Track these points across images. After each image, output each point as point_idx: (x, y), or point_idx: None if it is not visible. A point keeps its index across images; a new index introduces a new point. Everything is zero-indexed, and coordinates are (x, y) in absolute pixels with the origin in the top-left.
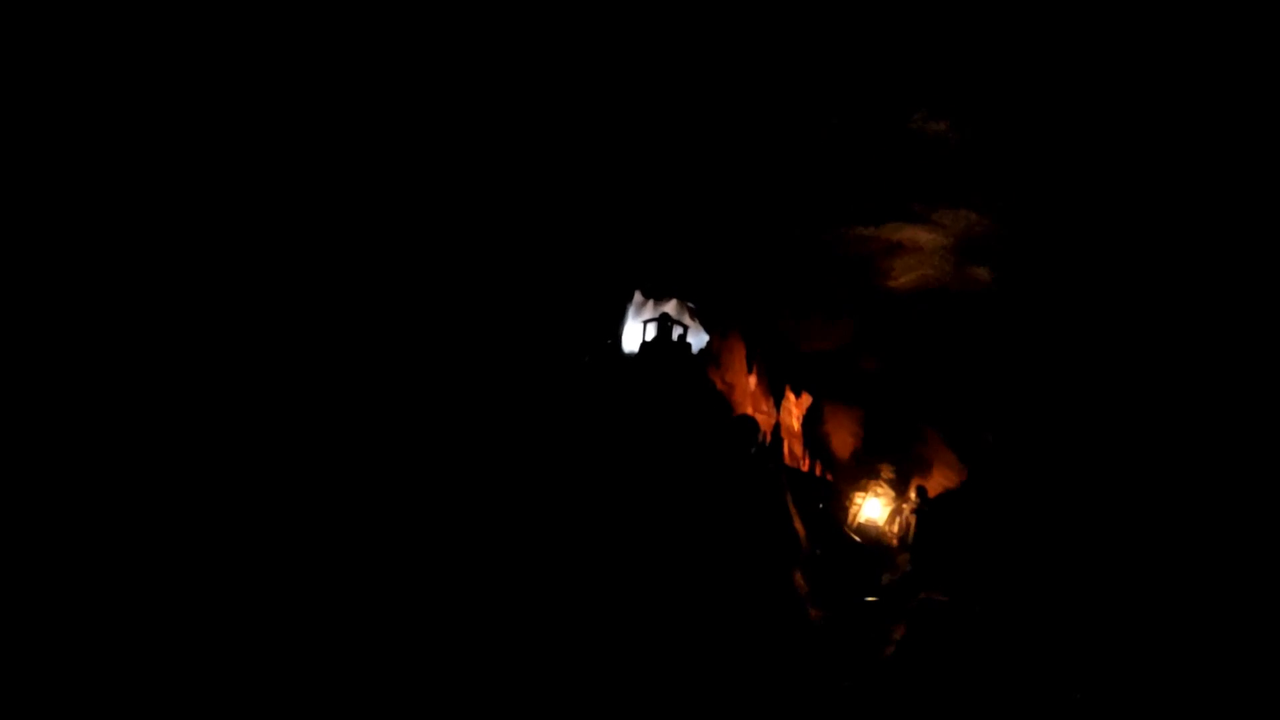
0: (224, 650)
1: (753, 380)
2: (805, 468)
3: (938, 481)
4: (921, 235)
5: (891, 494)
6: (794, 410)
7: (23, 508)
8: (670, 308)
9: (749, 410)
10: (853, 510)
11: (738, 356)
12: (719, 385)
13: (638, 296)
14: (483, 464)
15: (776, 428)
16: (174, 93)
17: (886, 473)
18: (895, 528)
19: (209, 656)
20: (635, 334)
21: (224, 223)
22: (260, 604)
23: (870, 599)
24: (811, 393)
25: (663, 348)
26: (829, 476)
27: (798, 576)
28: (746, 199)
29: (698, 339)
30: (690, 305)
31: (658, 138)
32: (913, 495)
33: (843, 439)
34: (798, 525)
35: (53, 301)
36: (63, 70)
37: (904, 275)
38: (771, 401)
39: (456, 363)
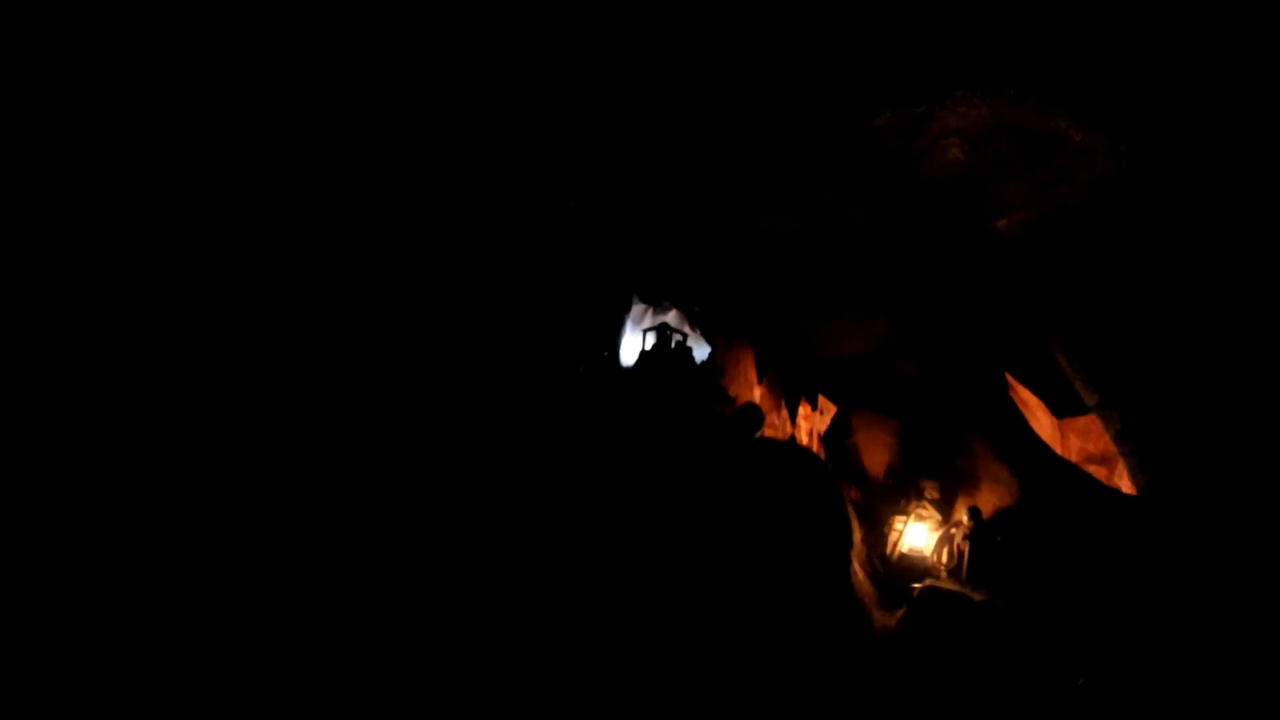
0: (224, 650)
1: (759, 391)
2: None
3: (987, 500)
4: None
5: (938, 517)
6: (804, 425)
7: (23, 508)
8: (671, 318)
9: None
10: (892, 537)
11: (743, 366)
12: (725, 402)
13: (636, 307)
14: (473, 476)
15: (791, 442)
16: (174, 93)
17: (930, 491)
18: (944, 558)
19: (209, 656)
20: (634, 344)
21: (217, 227)
22: (260, 606)
23: (916, 585)
24: (838, 402)
25: (662, 357)
26: (855, 494)
27: (858, 575)
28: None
29: (700, 349)
30: (695, 310)
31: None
32: (964, 519)
33: (876, 454)
34: (852, 517)
35: (53, 302)
36: (63, 70)
37: (1027, 208)
38: (785, 414)
39: (446, 372)
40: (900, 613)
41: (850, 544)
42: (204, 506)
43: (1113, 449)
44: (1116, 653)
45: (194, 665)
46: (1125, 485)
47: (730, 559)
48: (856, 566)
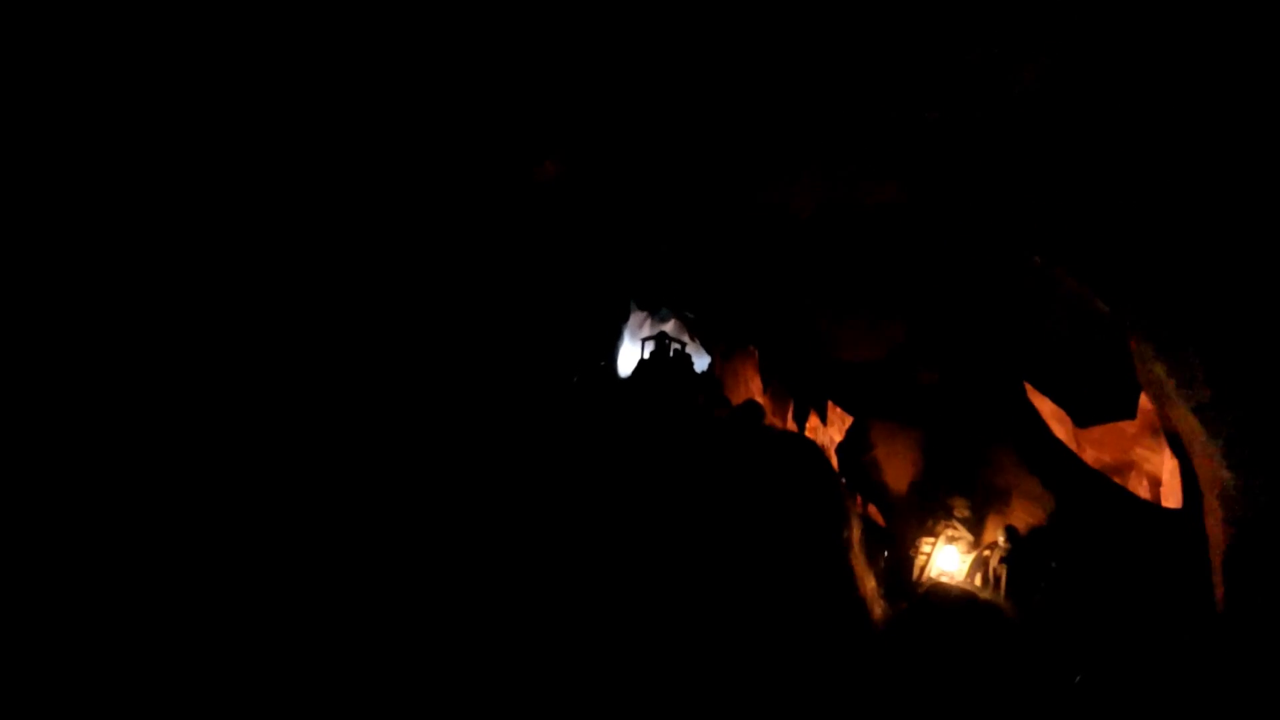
0: (224, 650)
1: (763, 402)
2: None
3: (1020, 518)
4: None
5: (970, 538)
6: (810, 438)
7: (23, 508)
8: (670, 327)
9: None
10: (919, 561)
11: (745, 374)
12: (722, 407)
13: (635, 315)
14: (466, 485)
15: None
16: (174, 93)
17: (960, 509)
18: (978, 582)
19: (209, 656)
20: (632, 353)
21: (220, 241)
22: (261, 608)
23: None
24: (853, 411)
25: (660, 367)
26: (872, 509)
27: (859, 569)
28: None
29: (700, 358)
30: (689, 316)
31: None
32: (1000, 539)
33: (898, 468)
34: (851, 513)
35: (53, 302)
36: (63, 70)
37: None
38: (791, 426)
39: (439, 381)
40: (903, 605)
41: (847, 528)
42: (206, 508)
43: (1128, 458)
44: (1136, 656)
45: (194, 664)
46: (1143, 493)
47: (722, 554)
48: (858, 555)
